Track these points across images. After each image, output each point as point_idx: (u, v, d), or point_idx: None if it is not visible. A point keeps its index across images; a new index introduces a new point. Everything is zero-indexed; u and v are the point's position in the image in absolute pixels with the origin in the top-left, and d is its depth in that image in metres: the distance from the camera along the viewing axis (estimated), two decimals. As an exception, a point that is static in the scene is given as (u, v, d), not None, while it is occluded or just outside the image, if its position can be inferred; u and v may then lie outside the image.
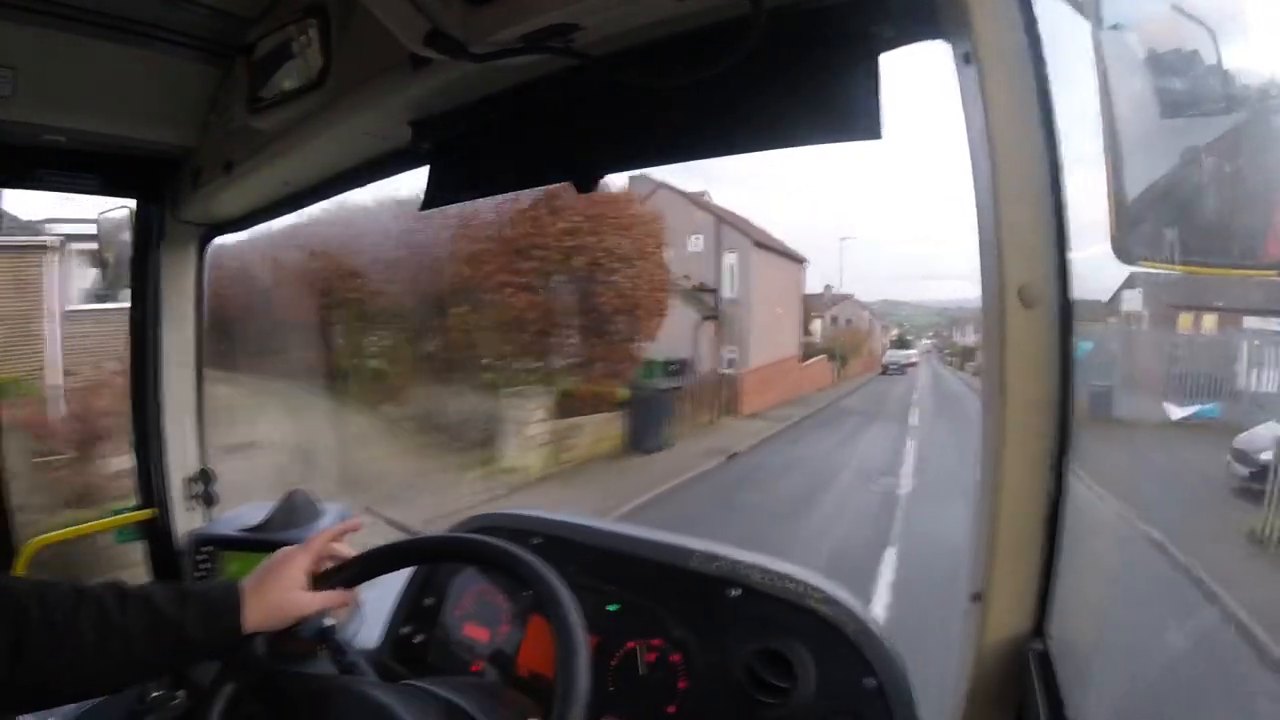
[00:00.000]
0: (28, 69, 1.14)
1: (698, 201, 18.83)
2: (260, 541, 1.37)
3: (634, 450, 11.63)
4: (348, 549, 0.90)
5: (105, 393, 6.89)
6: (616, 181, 12.33)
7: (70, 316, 9.16)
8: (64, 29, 1.11)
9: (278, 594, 0.81)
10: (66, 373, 8.73)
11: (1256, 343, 7.45)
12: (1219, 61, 0.55)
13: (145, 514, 1.62)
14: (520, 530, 1.14)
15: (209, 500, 1.66)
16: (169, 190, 1.49)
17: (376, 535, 1.02)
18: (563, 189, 1.19)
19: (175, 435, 1.62)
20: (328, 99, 1.01)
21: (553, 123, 0.95)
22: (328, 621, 0.85)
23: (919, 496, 8.64)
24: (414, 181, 1.12)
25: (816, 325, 27.04)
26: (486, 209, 10.73)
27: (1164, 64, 0.56)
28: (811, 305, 27.11)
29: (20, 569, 1.54)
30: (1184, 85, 0.57)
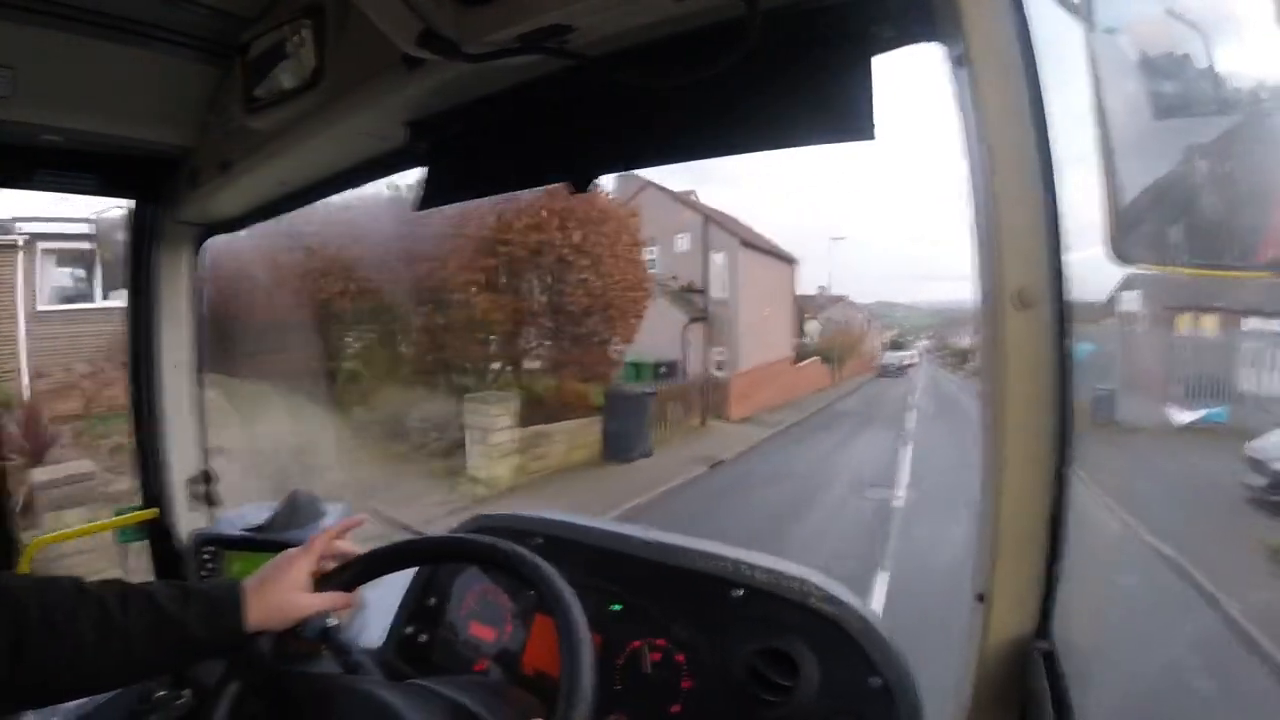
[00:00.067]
0: (26, 69, 1.13)
1: (684, 200, 18.58)
2: (264, 541, 1.37)
3: (611, 458, 10.80)
4: (351, 545, 0.91)
5: (73, 395, 6.64)
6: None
7: (38, 317, 8.79)
8: (63, 29, 1.10)
9: (279, 594, 0.81)
10: (36, 375, 8.43)
11: (1259, 344, 7.37)
12: (1211, 65, 0.55)
13: (147, 514, 1.62)
14: (521, 530, 1.14)
15: (211, 500, 1.66)
16: (166, 190, 1.48)
17: (377, 536, 1.02)
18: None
19: (175, 435, 1.63)
20: (323, 99, 1.01)
21: (549, 123, 0.95)
22: (330, 622, 0.85)
23: (916, 510, 8.15)
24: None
25: (810, 327, 26.87)
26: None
27: (1156, 67, 0.57)
28: (805, 307, 26.93)
29: (23, 568, 1.55)
30: (1176, 88, 0.57)
